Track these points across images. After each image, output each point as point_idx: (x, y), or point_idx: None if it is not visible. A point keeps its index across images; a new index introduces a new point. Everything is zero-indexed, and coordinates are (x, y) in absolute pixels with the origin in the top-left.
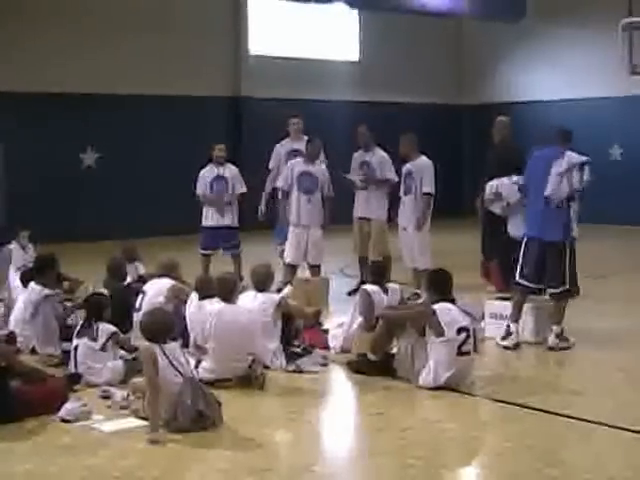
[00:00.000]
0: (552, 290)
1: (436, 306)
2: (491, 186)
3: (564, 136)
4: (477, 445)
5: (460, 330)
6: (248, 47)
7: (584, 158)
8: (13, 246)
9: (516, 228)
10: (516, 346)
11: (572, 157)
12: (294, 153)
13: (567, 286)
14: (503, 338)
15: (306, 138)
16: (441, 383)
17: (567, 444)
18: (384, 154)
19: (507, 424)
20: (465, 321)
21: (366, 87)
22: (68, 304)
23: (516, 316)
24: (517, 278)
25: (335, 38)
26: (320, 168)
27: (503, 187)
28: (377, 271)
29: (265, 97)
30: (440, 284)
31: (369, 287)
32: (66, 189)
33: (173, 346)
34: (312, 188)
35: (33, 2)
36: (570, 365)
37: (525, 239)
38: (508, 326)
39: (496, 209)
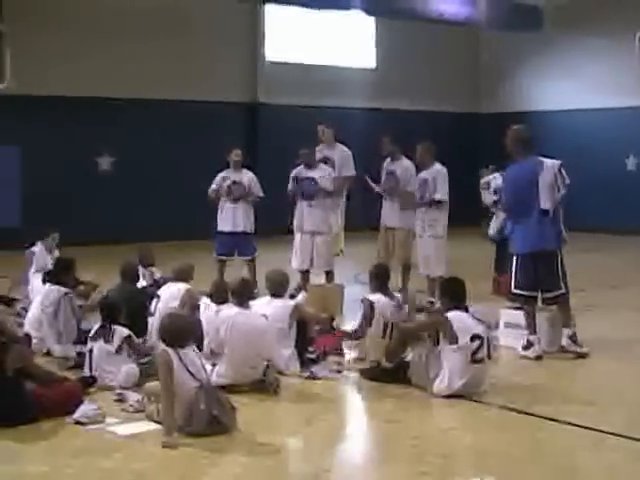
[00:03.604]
0: (547, 295)
1: (449, 314)
2: (490, 177)
3: (526, 144)
4: (490, 454)
5: (473, 337)
6: (265, 53)
7: (558, 161)
8: (38, 248)
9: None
10: (538, 358)
11: (549, 164)
12: (324, 160)
13: (562, 290)
14: (525, 348)
15: (338, 145)
16: (455, 391)
17: (580, 454)
18: (408, 165)
19: (521, 433)
20: (478, 328)
21: (383, 94)
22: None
23: (533, 327)
24: (513, 289)
25: (352, 45)
26: (321, 170)
27: (495, 180)
28: (380, 274)
29: (281, 103)
30: (454, 292)
31: (374, 297)
32: (82, 192)
33: (189, 350)
34: (313, 193)
35: (51, 7)
36: (584, 375)
37: (519, 255)
38: (528, 338)
39: (485, 199)
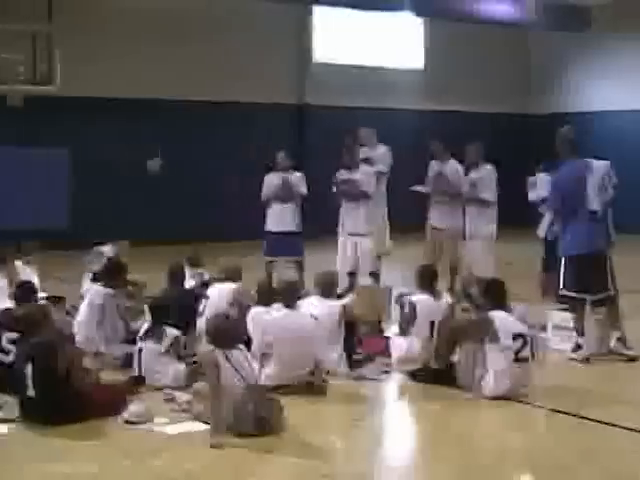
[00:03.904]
0: (596, 297)
1: (491, 314)
2: (538, 176)
3: (573, 145)
4: (538, 456)
5: (516, 337)
6: (313, 55)
7: (607, 162)
8: (107, 249)
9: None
10: (587, 360)
11: (597, 164)
12: (365, 160)
13: (611, 292)
14: (573, 351)
15: (380, 146)
16: (501, 392)
17: (630, 457)
18: (458, 167)
19: (569, 435)
20: (520, 328)
21: (431, 96)
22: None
23: (581, 329)
24: (561, 291)
25: (400, 46)
26: (363, 171)
27: (539, 179)
28: (427, 275)
29: (329, 105)
30: (494, 293)
31: (417, 297)
32: (131, 193)
33: (236, 351)
34: (351, 195)
35: (99, 6)
36: (633, 378)
37: (567, 256)
38: (577, 341)
39: (531, 196)
